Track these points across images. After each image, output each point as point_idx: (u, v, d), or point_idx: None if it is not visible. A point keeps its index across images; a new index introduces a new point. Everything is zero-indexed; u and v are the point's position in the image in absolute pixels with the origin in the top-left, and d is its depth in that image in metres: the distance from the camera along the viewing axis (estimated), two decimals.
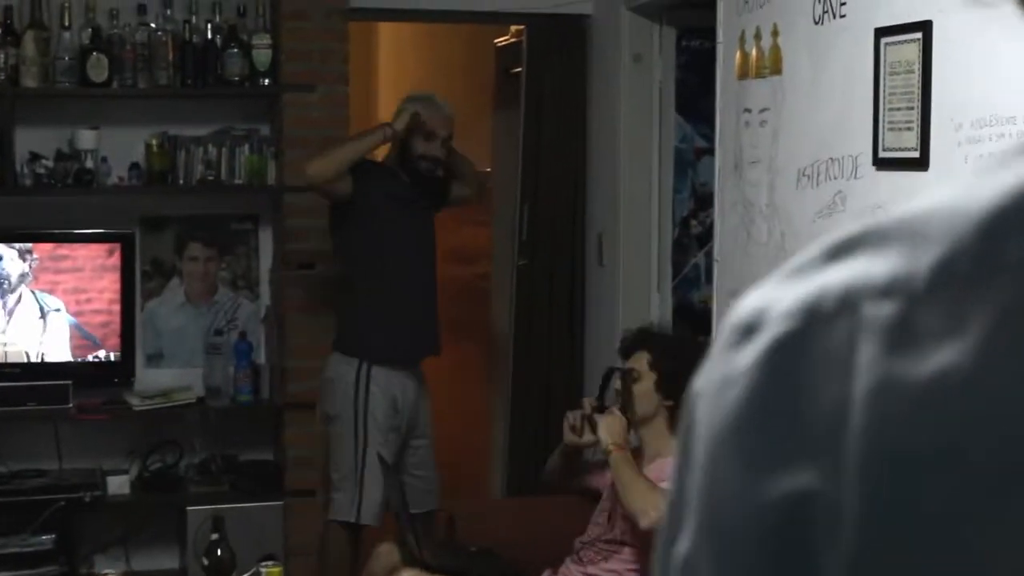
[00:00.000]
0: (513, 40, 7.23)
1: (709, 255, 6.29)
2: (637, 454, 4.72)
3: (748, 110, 5.18)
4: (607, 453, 4.52)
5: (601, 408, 4.74)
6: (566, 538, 4.87)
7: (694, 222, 6.30)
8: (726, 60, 5.34)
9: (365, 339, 5.47)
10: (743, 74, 5.21)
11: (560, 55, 6.46)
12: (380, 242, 5.48)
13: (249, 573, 4.39)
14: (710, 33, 6.09)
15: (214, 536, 4.23)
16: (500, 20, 6.85)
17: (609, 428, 4.60)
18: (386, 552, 4.85)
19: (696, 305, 6.28)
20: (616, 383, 4.79)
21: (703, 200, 6.25)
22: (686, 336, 5.12)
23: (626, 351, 4.85)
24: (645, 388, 4.69)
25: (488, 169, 7.72)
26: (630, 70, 6.20)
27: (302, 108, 5.89)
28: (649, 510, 4.30)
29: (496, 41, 7.47)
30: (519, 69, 6.93)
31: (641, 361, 4.74)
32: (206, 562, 4.23)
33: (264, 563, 4.30)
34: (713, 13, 5.53)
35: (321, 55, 5.92)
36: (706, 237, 6.25)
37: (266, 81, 5.89)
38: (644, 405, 4.69)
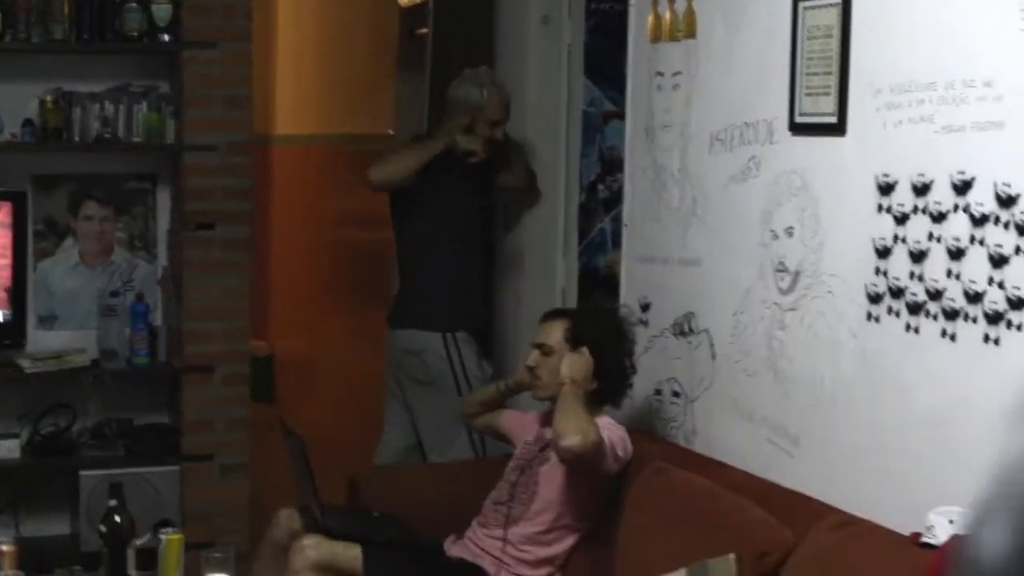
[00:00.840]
0: (418, 1, 7.12)
1: (616, 220, 6.22)
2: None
3: (660, 73, 5.11)
4: (562, 384, 4.47)
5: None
6: (471, 501, 4.79)
7: (601, 186, 6.23)
8: (638, 23, 5.26)
9: (441, 311, 5.86)
10: (656, 37, 5.13)
11: (467, 16, 6.35)
12: (435, 227, 5.87)
13: (144, 539, 4.27)
14: None
15: (111, 502, 4.11)
16: None
17: (572, 364, 4.55)
18: (286, 518, 4.76)
19: (602, 270, 6.22)
20: (530, 359, 4.71)
21: (611, 164, 6.19)
22: (610, 306, 5.03)
23: (545, 317, 4.79)
24: (558, 362, 4.61)
25: (390, 131, 7.63)
26: (538, 32, 6.12)
27: (203, 65, 5.75)
28: (575, 434, 4.26)
29: (401, 1, 7.34)
30: (424, 31, 6.82)
31: (557, 330, 4.66)
32: (103, 529, 4.11)
33: (164, 529, 4.19)
34: None
35: (223, 11, 5.78)
36: (613, 202, 6.18)
37: (166, 37, 5.74)
38: (557, 381, 4.61)
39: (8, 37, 5.58)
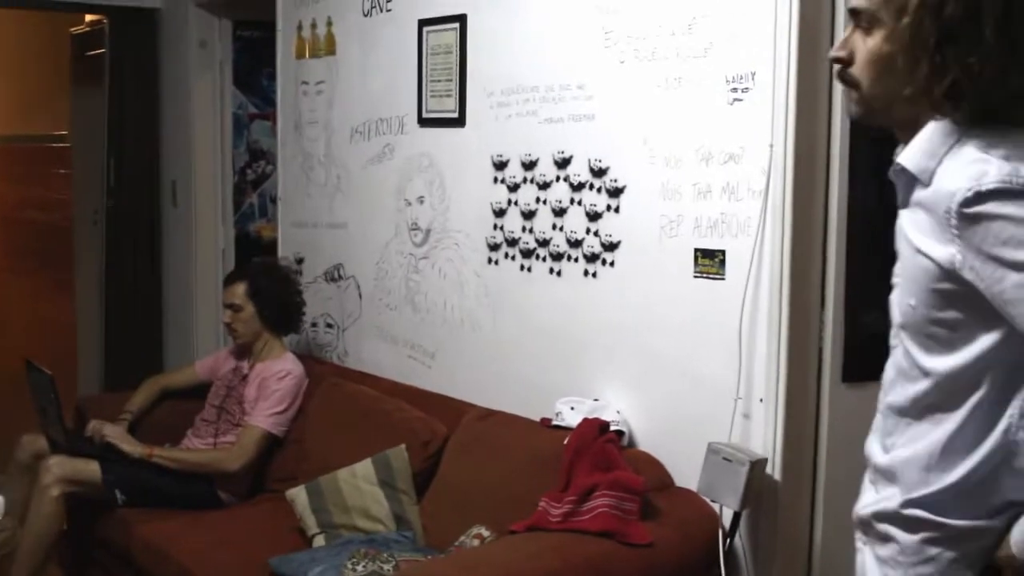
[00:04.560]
0: (87, 28, 6.43)
1: (262, 195, 5.85)
2: (247, 353, 4.27)
3: (306, 82, 4.75)
4: (145, 458, 4.00)
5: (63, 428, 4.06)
6: (182, 418, 4.35)
7: (249, 171, 5.83)
8: (285, 43, 4.88)
9: None
10: (301, 55, 4.77)
11: (137, 40, 5.76)
12: None
13: None
14: (259, 26, 5.62)
15: None
16: (84, 9, 6.04)
17: (124, 439, 4.08)
18: (30, 441, 4.18)
19: (251, 234, 5.84)
20: (225, 317, 4.28)
21: (255, 153, 5.84)
22: (273, 262, 4.63)
23: (227, 282, 4.36)
24: (248, 315, 4.23)
25: (65, 132, 6.92)
26: (197, 53, 5.62)
27: None
28: (221, 463, 3.91)
29: (71, 29, 6.62)
30: (96, 52, 6.18)
31: (239, 291, 4.26)
32: None
33: None
34: (265, 9, 5.04)
35: None
36: (258, 182, 5.83)
37: None
38: (250, 328, 4.23)
39: None
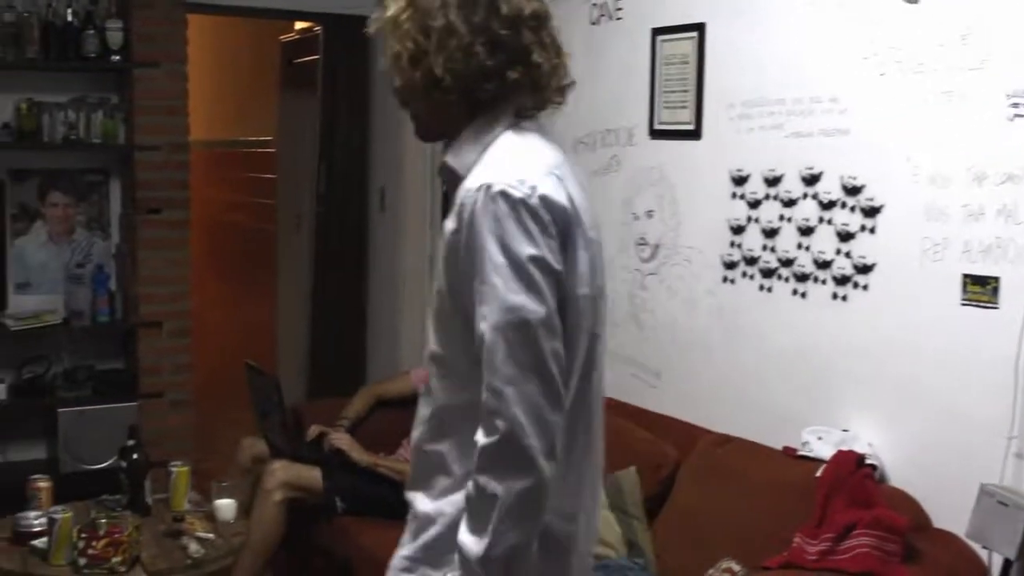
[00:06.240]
0: (297, 36, 6.54)
1: None
2: None
3: None
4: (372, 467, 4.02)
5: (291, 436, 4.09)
6: (395, 426, 4.31)
7: None
8: None
9: None
10: None
11: (349, 46, 5.81)
12: None
13: (111, 461, 3.69)
14: None
15: (130, 442, 3.51)
16: (299, 17, 6.13)
17: (354, 447, 4.08)
18: (249, 444, 4.22)
19: None
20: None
21: None
22: None
23: None
24: None
25: (270, 138, 7.06)
26: None
27: (148, 81, 5.09)
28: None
29: (281, 37, 6.73)
30: (303, 59, 6.28)
31: None
32: (124, 464, 3.51)
33: (173, 462, 3.62)
34: None
35: (164, 37, 5.12)
36: None
37: (118, 58, 5.05)
38: None
39: None
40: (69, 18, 5.00)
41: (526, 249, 1.54)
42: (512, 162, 1.61)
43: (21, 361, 5.02)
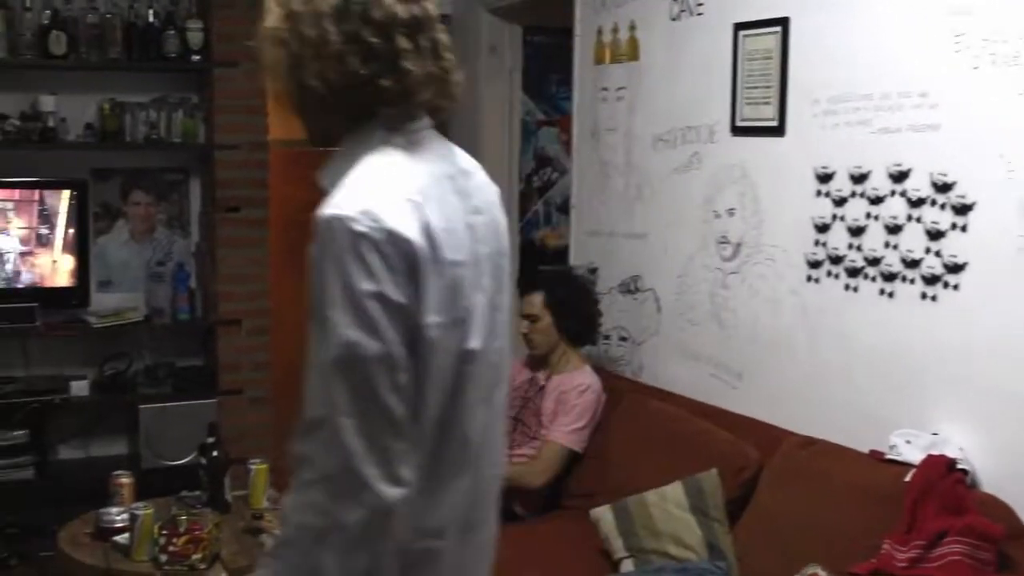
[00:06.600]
0: None
1: (547, 203, 5.81)
2: (543, 364, 4.20)
3: (605, 88, 4.65)
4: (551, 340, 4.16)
5: None
6: None
7: (535, 178, 5.81)
8: (583, 49, 4.79)
9: None
10: (600, 60, 4.67)
11: None
12: None
13: (191, 457, 3.71)
14: (549, 31, 5.59)
15: (210, 439, 3.53)
16: None
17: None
18: None
19: (536, 241, 5.82)
20: (523, 328, 4.21)
21: (542, 160, 5.81)
22: (569, 272, 4.56)
23: (523, 291, 4.29)
24: (545, 325, 4.15)
25: None
26: (487, 59, 5.63)
27: (228, 81, 5.14)
28: (524, 478, 3.85)
29: None
30: None
31: (537, 301, 4.19)
32: (203, 460, 3.53)
33: (252, 460, 3.63)
34: (556, 14, 4.99)
35: (244, 37, 5.11)
36: (544, 189, 5.80)
37: (198, 58, 5.10)
38: (547, 339, 4.16)
39: (73, 58, 4.91)
40: (151, 19, 5.06)
41: (364, 285, 1.51)
42: (363, 190, 1.57)
43: (103, 358, 5.10)
